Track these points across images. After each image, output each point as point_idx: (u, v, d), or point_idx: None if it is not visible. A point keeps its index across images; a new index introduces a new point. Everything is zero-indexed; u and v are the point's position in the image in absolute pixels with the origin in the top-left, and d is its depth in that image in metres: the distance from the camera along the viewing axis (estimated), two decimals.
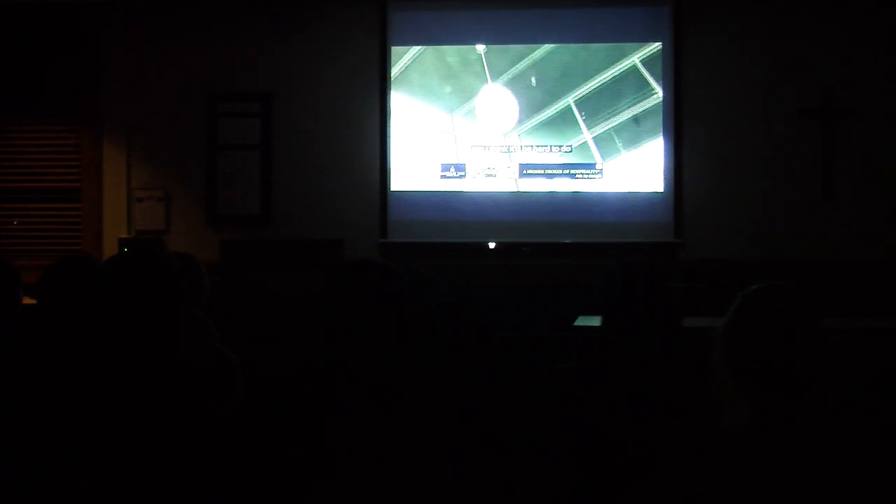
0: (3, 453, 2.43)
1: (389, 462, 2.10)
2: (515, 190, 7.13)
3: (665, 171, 6.97)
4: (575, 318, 5.26)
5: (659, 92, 6.96)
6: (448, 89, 7.16)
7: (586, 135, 7.03)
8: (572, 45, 7.06)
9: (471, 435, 2.14)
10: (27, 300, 3.72)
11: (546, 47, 7.08)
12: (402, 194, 7.20)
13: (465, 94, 7.15)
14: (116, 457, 2.22)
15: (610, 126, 7.01)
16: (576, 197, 7.07)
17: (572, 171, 7.06)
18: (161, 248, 6.81)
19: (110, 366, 2.36)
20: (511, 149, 7.11)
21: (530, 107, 7.10)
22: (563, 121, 7.07)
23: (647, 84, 6.97)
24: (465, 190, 7.16)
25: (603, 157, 7.01)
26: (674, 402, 2.82)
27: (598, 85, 7.02)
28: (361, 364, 2.43)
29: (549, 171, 7.09)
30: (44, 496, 2.25)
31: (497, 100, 7.14)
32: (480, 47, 7.14)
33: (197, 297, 3.95)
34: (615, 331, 3.01)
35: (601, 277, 3.09)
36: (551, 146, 7.07)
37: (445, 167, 7.17)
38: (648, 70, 6.98)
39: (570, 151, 7.05)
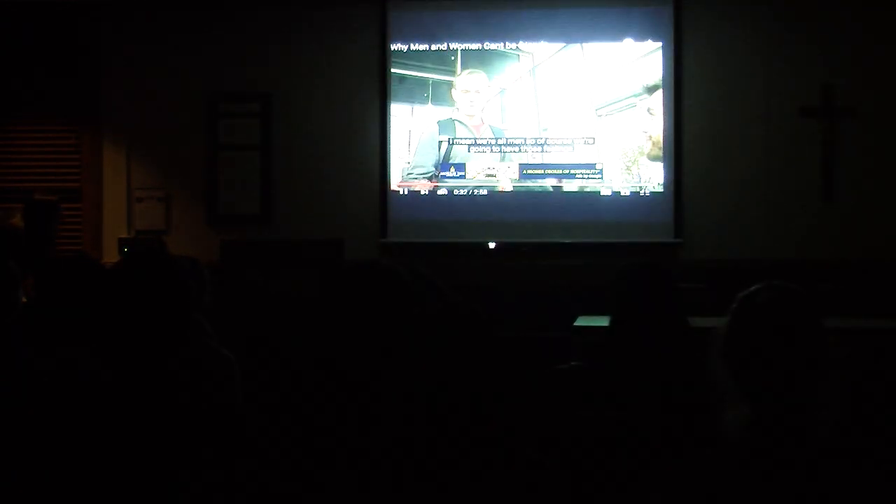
0: (2, 453, 2.43)
1: (396, 462, 2.10)
2: (515, 190, 7.13)
3: (665, 170, 6.97)
4: (575, 319, 5.26)
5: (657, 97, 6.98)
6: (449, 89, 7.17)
7: (586, 136, 7.04)
8: (574, 48, 7.06)
9: (475, 434, 2.14)
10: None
11: (548, 51, 7.08)
12: (402, 194, 7.20)
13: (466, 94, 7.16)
14: (115, 456, 2.22)
15: (610, 126, 7.02)
16: (576, 197, 7.07)
17: (572, 171, 7.06)
18: (161, 248, 6.81)
19: (110, 365, 2.36)
20: (511, 149, 7.11)
21: (531, 108, 7.10)
22: (562, 121, 7.07)
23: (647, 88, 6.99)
24: (465, 190, 7.16)
25: (603, 157, 7.02)
26: (679, 402, 2.82)
27: (599, 87, 7.04)
28: (371, 367, 2.43)
29: (549, 171, 7.09)
30: (43, 495, 2.25)
31: (498, 100, 7.14)
32: (483, 47, 7.15)
33: (199, 301, 3.95)
34: (624, 332, 3.01)
35: (612, 278, 3.10)
36: (552, 146, 7.07)
37: (445, 167, 7.17)
38: (647, 75, 7.00)
39: (571, 151, 7.05)
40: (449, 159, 7.16)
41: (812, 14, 6.90)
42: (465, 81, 7.15)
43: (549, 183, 7.09)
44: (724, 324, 2.11)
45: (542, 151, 7.08)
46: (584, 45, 7.05)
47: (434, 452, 2.09)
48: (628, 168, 7.00)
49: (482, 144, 7.14)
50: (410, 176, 7.18)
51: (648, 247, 6.90)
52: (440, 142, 7.17)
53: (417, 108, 7.17)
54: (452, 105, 7.16)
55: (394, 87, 7.18)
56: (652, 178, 6.99)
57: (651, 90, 7.00)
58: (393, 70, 7.17)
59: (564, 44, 7.07)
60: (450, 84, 7.17)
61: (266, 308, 6.21)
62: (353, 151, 7.25)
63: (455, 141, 7.14)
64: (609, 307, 3.07)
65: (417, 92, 7.17)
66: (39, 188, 7.20)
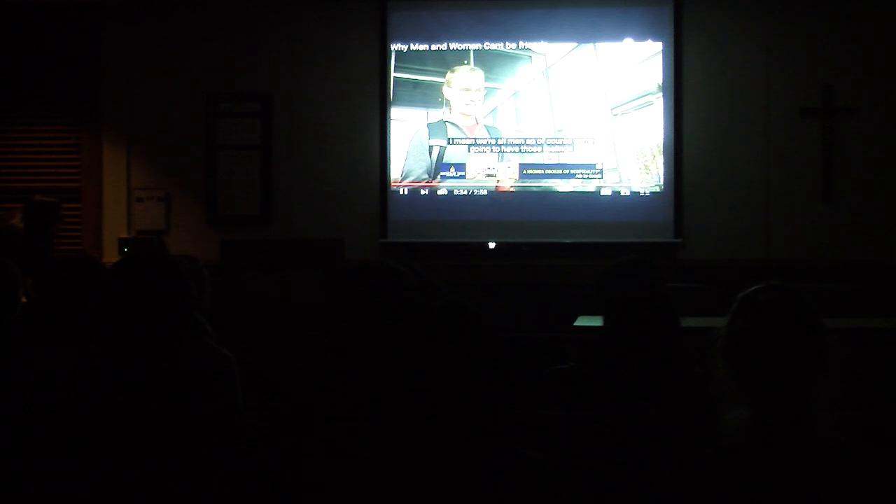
0: (2, 452, 2.43)
1: (395, 462, 2.10)
2: (515, 190, 7.12)
3: (665, 170, 6.97)
4: (575, 318, 5.26)
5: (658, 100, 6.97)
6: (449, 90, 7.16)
7: (587, 136, 7.04)
8: (575, 50, 7.06)
9: (474, 435, 2.14)
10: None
11: (560, 51, 7.07)
12: (402, 194, 7.20)
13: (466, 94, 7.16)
14: (114, 455, 2.22)
15: (610, 126, 7.01)
16: (576, 197, 7.07)
17: (572, 172, 7.06)
18: (161, 248, 6.81)
19: (110, 365, 2.36)
20: (511, 149, 7.11)
21: (531, 108, 7.10)
22: (576, 122, 7.07)
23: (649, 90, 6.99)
24: (465, 190, 7.15)
25: (603, 157, 7.01)
26: (673, 401, 2.82)
27: (613, 86, 7.03)
28: (371, 367, 2.43)
29: (549, 172, 7.08)
30: (42, 495, 2.25)
31: (499, 100, 7.14)
32: (482, 47, 7.14)
33: (199, 301, 3.96)
34: (615, 330, 3.01)
35: (599, 277, 3.10)
36: (552, 146, 7.07)
37: (445, 167, 7.17)
38: (648, 74, 7.00)
39: (572, 151, 7.05)
40: (441, 165, 7.15)
41: (812, 14, 6.90)
42: (467, 79, 7.13)
43: (549, 183, 7.09)
44: (724, 324, 2.11)
45: (543, 151, 7.08)
46: (596, 45, 7.03)
47: (432, 452, 2.09)
48: (647, 167, 6.99)
49: (482, 144, 7.14)
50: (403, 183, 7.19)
51: (649, 247, 6.90)
52: (431, 147, 7.16)
53: (432, 111, 7.16)
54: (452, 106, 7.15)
55: (408, 92, 7.17)
56: (652, 177, 6.98)
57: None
58: (405, 75, 7.16)
59: (565, 43, 7.06)
60: (447, 82, 7.15)
61: (266, 308, 6.21)
62: (353, 151, 7.25)
63: (454, 141, 7.14)
64: (599, 305, 3.07)
65: (432, 96, 7.16)
66: (39, 188, 7.19)
